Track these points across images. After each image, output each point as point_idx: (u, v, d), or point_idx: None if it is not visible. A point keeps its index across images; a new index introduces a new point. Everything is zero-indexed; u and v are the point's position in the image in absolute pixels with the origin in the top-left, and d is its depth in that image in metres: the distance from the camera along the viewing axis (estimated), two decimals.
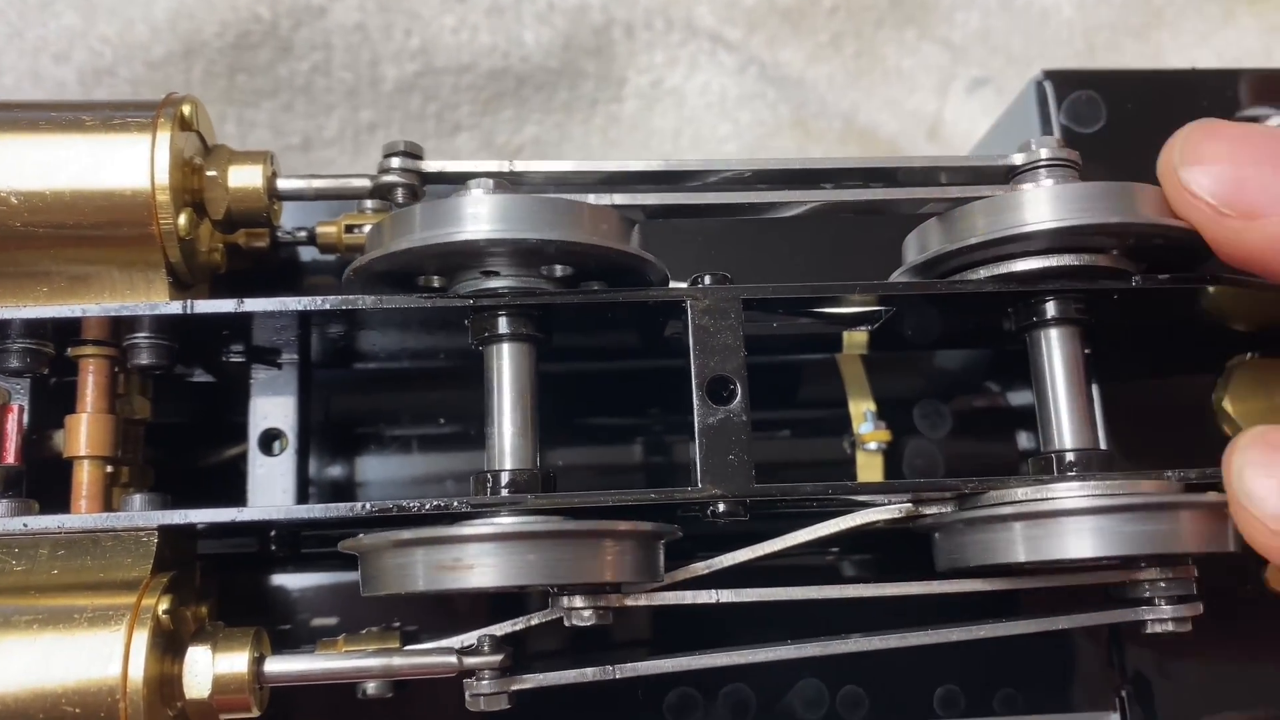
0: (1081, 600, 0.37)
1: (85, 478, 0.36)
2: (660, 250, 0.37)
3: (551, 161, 0.39)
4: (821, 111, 0.74)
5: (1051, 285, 0.36)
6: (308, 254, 0.44)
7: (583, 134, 0.72)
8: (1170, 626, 0.36)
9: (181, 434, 0.43)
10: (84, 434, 0.36)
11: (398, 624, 0.42)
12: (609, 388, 0.47)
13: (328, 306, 0.35)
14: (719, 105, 0.72)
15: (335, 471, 0.44)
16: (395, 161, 0.37)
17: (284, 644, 0.41)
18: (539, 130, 0.71)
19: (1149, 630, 0.36)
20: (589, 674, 0.35)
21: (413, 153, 0.38)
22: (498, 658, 0.34)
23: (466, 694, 0.34)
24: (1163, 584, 0.36)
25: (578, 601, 0.34)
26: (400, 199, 0.37)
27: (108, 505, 0.36)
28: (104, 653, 0.31)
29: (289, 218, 0.44)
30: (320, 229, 0.41)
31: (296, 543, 0.41)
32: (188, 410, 0.44)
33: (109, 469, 0.37)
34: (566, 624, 0.34)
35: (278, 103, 0.68)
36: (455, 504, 0.33)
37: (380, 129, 0.69)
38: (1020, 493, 0.35)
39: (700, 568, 0.36)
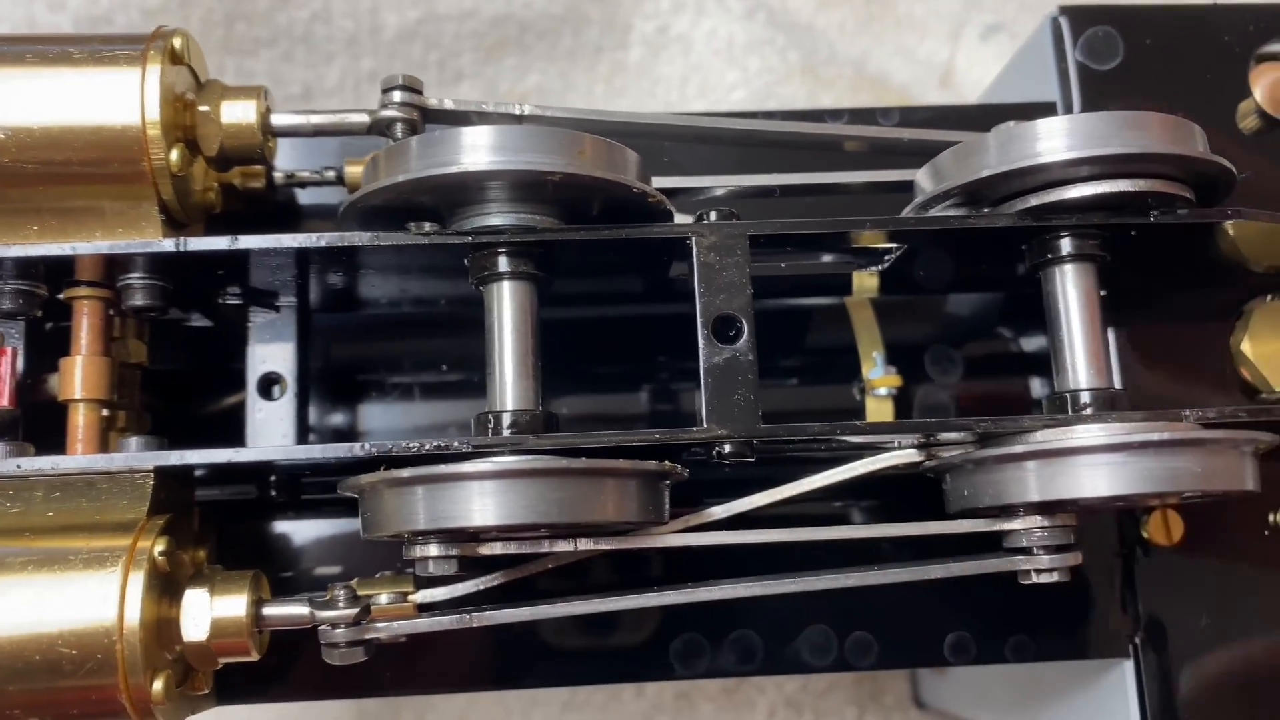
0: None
1: (81, 421, 0.36)
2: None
3: (562, 107, 0.38)
4: (831, 58, 0.73)
5: (1066, 220, 0.35)
6: (305, 196, 0.43)
7: (587, 83, 0.70)
8: (1051, 577, 0.35)
9: (181, 381, 0.43)
10: (79, 376, 0.36)
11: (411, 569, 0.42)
12: (615, 335, 0.46)
13: (323, 244, 0.34)
14: (726, 52, 0.71)
15: (336, 419, 0.43)
16: (396, 96, 0.36)
17: (285, 591, 0.41)
18: (542, 79, 0.70)
19: (1030, 581, 0.35)
20: (445, 622, 0.34)
21: (413, 87, 0.37)
22: (351, 612, 0.33)
23: (322, 644, 0.34)
24: (1040, 533, 0.35)
25: (432, 550, 0.33)
26: (400, 135, 0.36)
27: (104, 449, 0.36)
28: (100, 594, 0.31)
29: (292, 160, 0.43)
30: (349, 169, 0.41)
31: (296, 488, 0.40)
32: (186, 356, 0.43)
33: (105, 413, 0.36)
34: (420, 573, 0.33)
35: (277, 52, 0.67)
36: (456, 444, 0.33)
37: (381, 77, 0.68)
38: (1039, 434, 0.34)
39: (714, 512, 0.36)
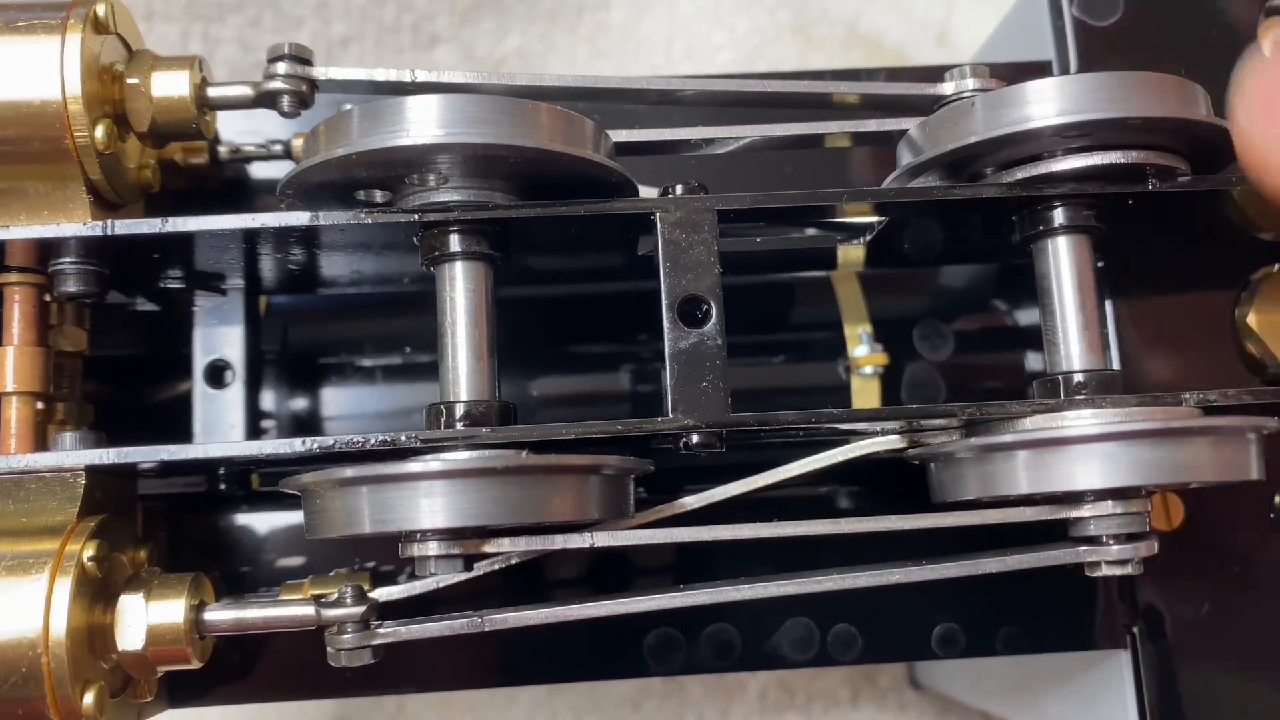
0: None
1: (14, 415, 0.34)
2: (636, 165, 0.34)
3: (462, 71, 0.35)
4: (823, 17, 0.70)
5: (1058, 189, 0.33)
6: (257, 171, 0.41)
7: (568, 44, 0.68)
8: (1124, 569, 0.32)
9: (129, 368, 0.41)
10: (10, 368, 0.34)
11: (372, 564, 0.40)
12: (594, 312, 0.44)
13: (258, 225, 0.32)
14: (713, 11, 0.68)
15: (296, 405, 0.41)
16: (280, 67, 0.34)
17: (243, 588, 0.39)
18: (522, 41, 0.67)
19: (1098, 573, 0.33)
20: (456, 625, 0.32)
21: (301, 57, 0.34)
22: (359, 610, 0.31)
23: (328, 648, 0.32)
24: (1115, 520, 0.32)
25: (431, 548, 0.31)
26: (287, 108, 0.34)
27: (41, 444, 0.34)
28: (23, 604, 0.29)
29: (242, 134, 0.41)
30: (296, 141, 0.38)
31: (246, 481, 0.38)
32: (135, 342, 0.41)
33: (40, 406, 0.34)
34: (421, 573, 0.32)
35: (244, 17, 0.64)
36: (404, 439, 0.31)
37: (354, 42, 0.65)
38: (1028, 421, 0.32)
39: (687, 503, 0.34)
